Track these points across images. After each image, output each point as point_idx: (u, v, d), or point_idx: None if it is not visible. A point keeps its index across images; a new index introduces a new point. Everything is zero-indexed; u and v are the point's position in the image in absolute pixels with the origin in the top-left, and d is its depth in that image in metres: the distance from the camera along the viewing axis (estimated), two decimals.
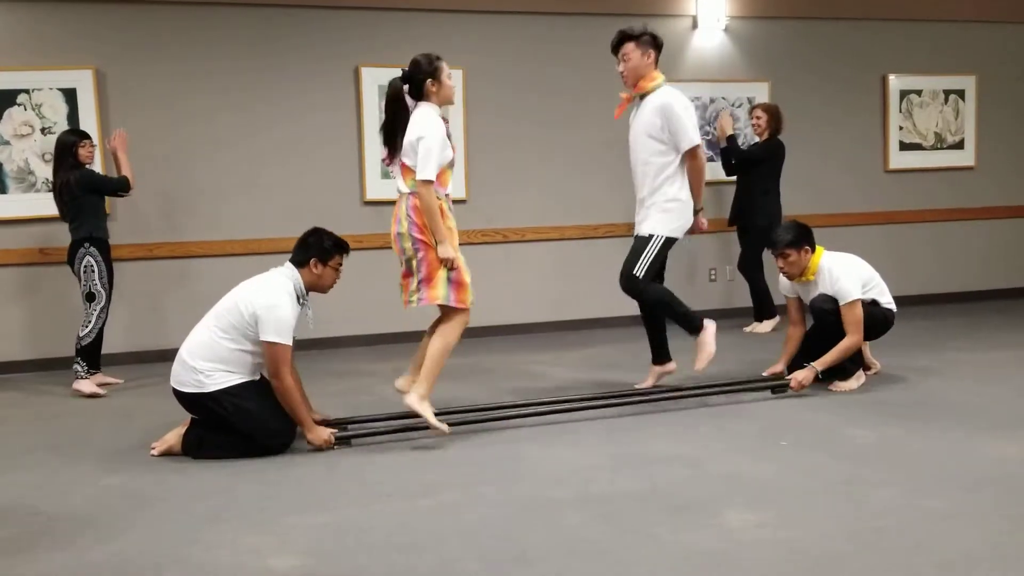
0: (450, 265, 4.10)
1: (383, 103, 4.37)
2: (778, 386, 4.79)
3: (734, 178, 7.03)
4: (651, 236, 4.65)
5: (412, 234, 4.10)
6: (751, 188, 6.83)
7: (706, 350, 4.70)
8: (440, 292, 4.12)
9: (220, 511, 3.34)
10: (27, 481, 3.78)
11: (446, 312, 4.22)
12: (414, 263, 4.13)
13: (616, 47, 4.67)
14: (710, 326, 4.72)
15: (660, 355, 5.01)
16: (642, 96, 4.68)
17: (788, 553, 2.80)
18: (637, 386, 5.02)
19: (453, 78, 4.34)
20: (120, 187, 5.49)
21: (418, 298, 4.15)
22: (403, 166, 4.16)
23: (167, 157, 6.37)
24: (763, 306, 6.90)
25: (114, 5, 6.24)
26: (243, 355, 4.01)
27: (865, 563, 2.71)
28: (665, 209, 4.65)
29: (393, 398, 4.94)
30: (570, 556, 2.83)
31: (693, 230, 4.85)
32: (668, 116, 4.56)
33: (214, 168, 6.49)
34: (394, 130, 4.20)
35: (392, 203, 6.71)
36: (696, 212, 4.79)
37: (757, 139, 6.94)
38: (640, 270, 4.62)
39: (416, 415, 4.13)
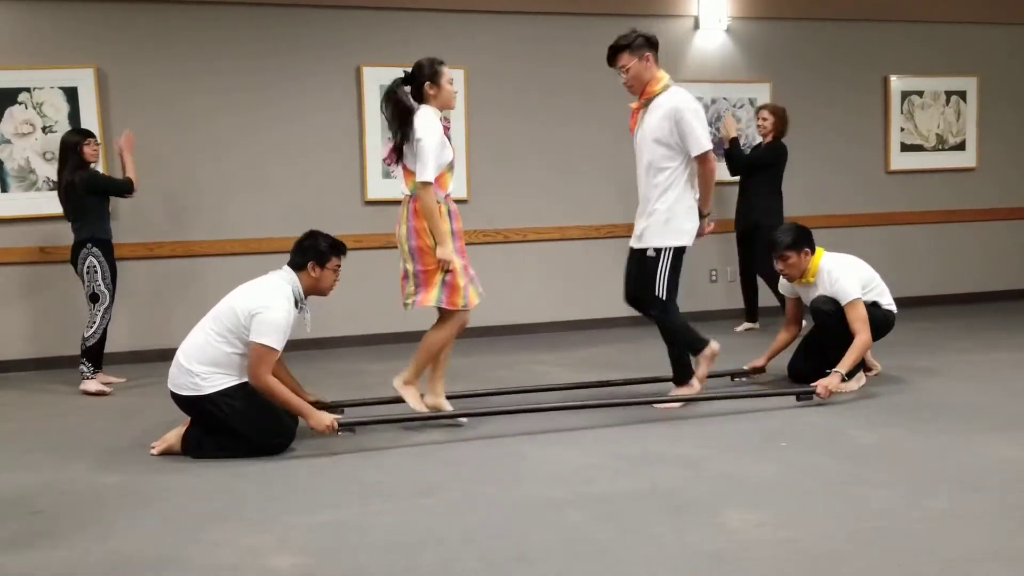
0: (446, 267, 4.16)
1: (382, 103, 4.39)
2: (804, 393, 4.64)
3: (737, 179, 6.99)
4: (659, 252, 4.49)
5: (410, 237, 4.18)
6: (756, 191, 6.79)
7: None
8: (433, 294, 4.22)
9: (220, 510, 3.34)
10: (27, 480, 3.78)
11: (443, 314, 4.32)
12: (411, 266, 4.23)
13: (612, 61, 4.49)
14: (714, 345, 4.67)
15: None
16: (648, 101, 4.49)
17: (788, 553, 2.80)
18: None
19: (455, 83, 4.38)
20: (124, 188, 5.48)
21: (413, 300, 4.26)
22: (405, 169, 4.22)
23: (168, 156, 6.37)
24: (754, 308, 6.90)
25: (116, 4, 6.24)
26: (239, 358, 3.99)
27: (865, 563, 2.71)
28: (666, 220, 4.47)
29: (394, 396, 4.94)
30: (570, 556, 2.83)
31: (698, 234, 4.67)
32: (678, 120, 4.37)
33: (215, 167, 6.49)
34: (401, 128, 4.20)
35: (393, 203, 6.73)
36: (703, 216, 4.62)
37: (761, 140, 6.92)
38: (661, 290, 4.48)
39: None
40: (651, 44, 4.46)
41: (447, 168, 4.22)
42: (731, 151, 6.87)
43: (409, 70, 4.26)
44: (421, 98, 4.23)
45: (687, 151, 4.42)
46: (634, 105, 4.58)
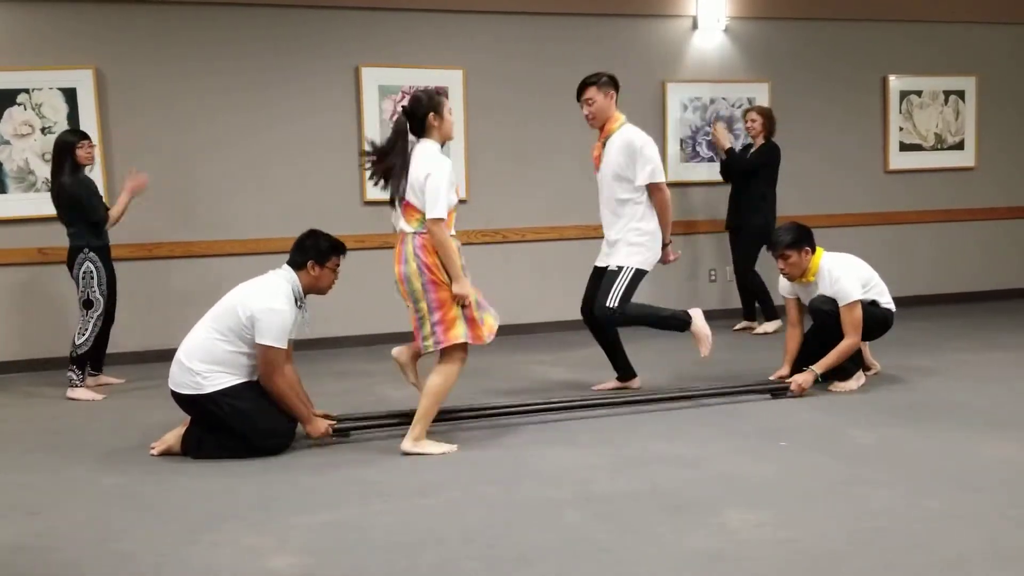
0: (463, 303, 3.94)
1: (390, 120, 4.25)
2: (778, 389, 4.79)
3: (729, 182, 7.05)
4: (620, 268, 4.70)
5: (422, 273, 3.92)
6: (748, 193, 6.84)
7: (703, 336, 4.73)
8: (459, 331, 3.95)
9: (220, 511, 3.34)
10: (26, 481, 3.78)
11: (443, 354, 4.02)
12: (424, 305, 3.95)
13: (580, 94, 4.82)
14: (695, 313, 4.76)
15: (626, 374, 5.10)
16: (607, 138, 4.79)
17: (788, 553, 2.80)
18: (594, 388, 5.09)
19: (454, 114, 4.33)
20: (96, 221, 5.30)
21: (434, 341, 3.95)
22: (407, 205, 4.00)
23: (167, 157, 6.36)
24: (767, 306, 6.90)
25: (115, 5, 6.24)
26: (240, 357, 4.00)
27: (865, 563, 2.71)
28: (632, 243, 4.73)
29: (394, 398, 4.95)
30: (570, 556, 2.83)
31: (662, 261, 4.94)
32: (631, 153, 4.66)
33: (214, 168, 6.49)
34: (388, 154, 4.03)
35: (391, 203, 6.68)
36: (664, 246, 4.88)
37: (751, 141, 6.95)
38: (613, 301, 4.65)
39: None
40: (615, 84, 4.82)
41: (453, 208, 4.01)
42: (728, 161, 6.90)
43: (406, 105, 4.10)
44: (422, 131, 4.05)
45: (641, 181, 4.68)
46: (595, 147, 4.89)
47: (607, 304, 4.65)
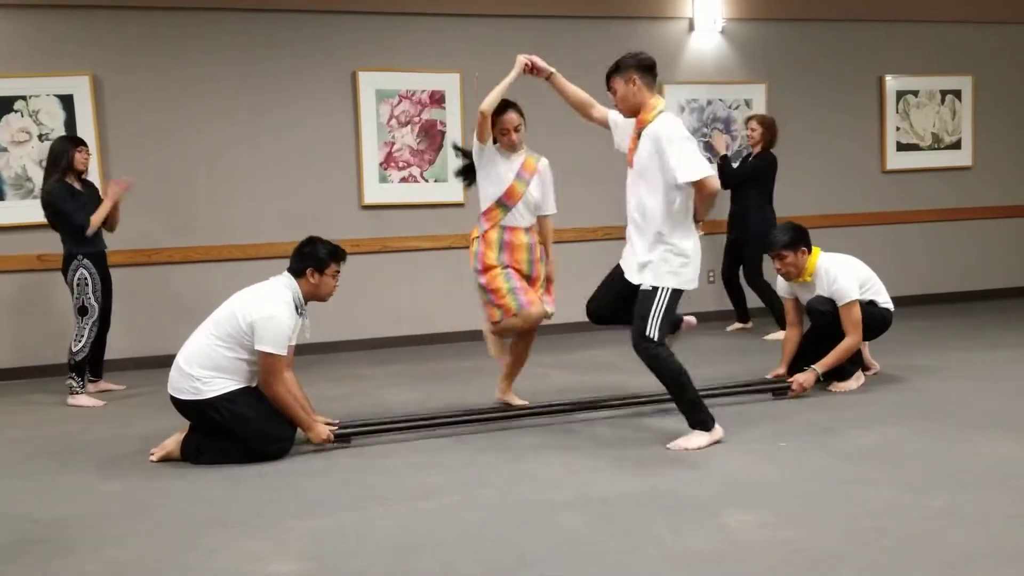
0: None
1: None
2: (779, 389, 4.79)
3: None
4: (655, 289, 3.94)
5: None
6: (748, 202, 6.77)
7: (693, 443, 3.95)
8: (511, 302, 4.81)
9: (219, 516, 3.33)
10: (25, 487, 3.78)
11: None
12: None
13: (607, 85, 4.13)
14: (717, 432, 4.00)
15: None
16: (641, 130, 3.99)
17: (788, 553, 2.79)
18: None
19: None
20: (76, 228, 5.22)
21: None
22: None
23: (165, 163, 6.37)
24: (779, 316, 6.82)
25: (111, 11, 6.25)
26: (240, 363, 4.00)
27: (865, 563, 2.71)
28: (667, 260, 3.94)
29: (392, 401, 4.95)
30: (569, 558, 2.83)
31: None
32: (662, 148, 3.84)
33: (212, 173, 6.49)
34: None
35: (389, 207, 6.72)
36: (696, 222, 4.03)
37: (750, 150, 6.91)
38: (652, 330, 3.92)
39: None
40: (641, 67, 3.96)
41: (495, 203, 4.76)
42: (721, 166, 6.85)
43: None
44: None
45: (677, 179, 3.85)
46: (631, 136, 4.11)
47: (647, 334, 3.93)
